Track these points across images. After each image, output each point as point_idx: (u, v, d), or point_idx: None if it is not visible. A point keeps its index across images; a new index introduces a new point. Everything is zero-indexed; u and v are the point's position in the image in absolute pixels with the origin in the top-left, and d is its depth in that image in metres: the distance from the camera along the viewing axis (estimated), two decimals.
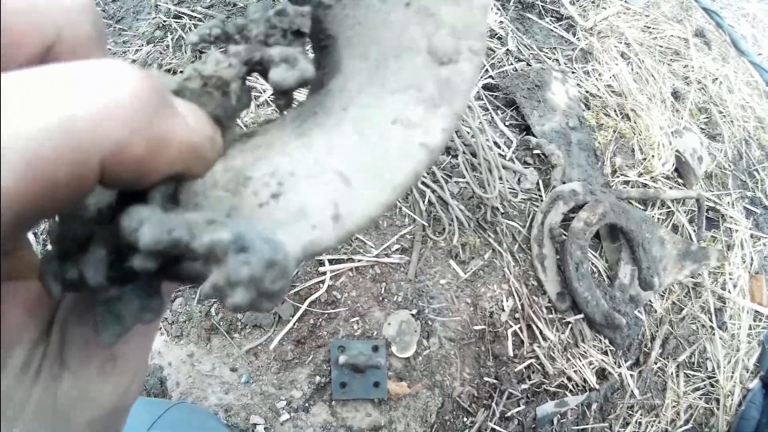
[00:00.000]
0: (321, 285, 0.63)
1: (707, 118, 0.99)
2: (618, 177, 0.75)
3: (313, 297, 0.63)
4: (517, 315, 0.64)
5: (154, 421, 0.47)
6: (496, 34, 0.81)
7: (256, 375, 0.62)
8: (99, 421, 0.13)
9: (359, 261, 0.64)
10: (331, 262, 0.64)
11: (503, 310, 0.63)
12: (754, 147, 1.02)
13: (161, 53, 0.75)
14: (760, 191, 0.98)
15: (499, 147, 0.71)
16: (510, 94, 0.74)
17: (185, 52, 0.73)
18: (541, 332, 0.64)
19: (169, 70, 0.72)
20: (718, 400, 0.84)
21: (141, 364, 0.15)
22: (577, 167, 0.73)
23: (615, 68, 0.86)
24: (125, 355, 0.13)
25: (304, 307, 0.62)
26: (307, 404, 0.61)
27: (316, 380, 0.61)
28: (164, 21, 0.77)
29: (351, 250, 0.63)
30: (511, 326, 0.63)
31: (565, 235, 0.65)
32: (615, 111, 0.82)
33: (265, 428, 0.62)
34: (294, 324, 0.63)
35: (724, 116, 1.02)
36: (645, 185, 0.77)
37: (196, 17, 0.74)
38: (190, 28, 0.77)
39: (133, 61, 0.80)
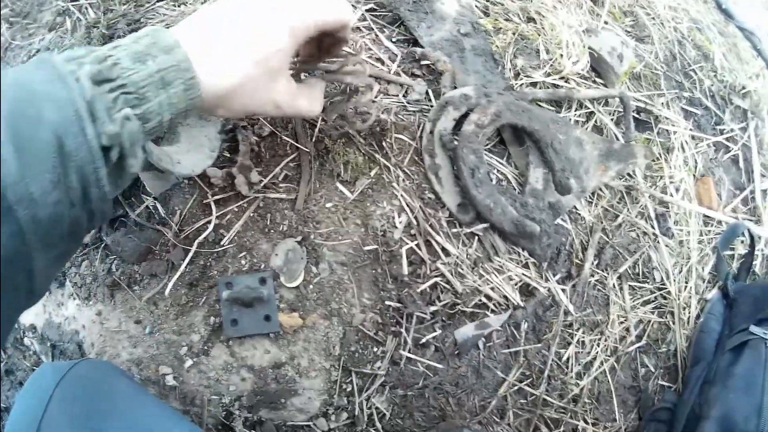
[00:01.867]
0: (208, 225, 0.62)
1: (633, 20, 0.96)
2: (522, 79, 0.73)
3: (200, 238, 0.61)
4: (412, 231, 0.62)
5: (58, 381, 0.47)
6: None
7: (158, 324, 0.62)
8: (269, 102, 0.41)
9: (244, 198, 0.63)
10: (217, 202, 0.63)
11: (395, 227, 0.61)
12: (689, 47, 0.98)
13: (61, 38, 0.77)
14: (699, 92, 0.94)
15: (383, 63, 0.69)
16: (394, 10, 0.72)
17: (79, 31, 0.74)
18: (442, 248, 0.62)
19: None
20: (672, 313, 0.81)
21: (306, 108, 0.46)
22: (473, 74, 0.71)
23: None
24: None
25: (193, 249, 0.61)
26: (206, 347, 0.60)
27: (211, 321, 0.60)
28: (63, 7, 0.78)
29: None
30: (407, 243, 0.61)
31: (456, 140, 0.63)
32: (518, 15, 0.79)
33: (174, 377, 0.61)
34: (185, 268, 0.62)
35: (653, 18, 0.98)
36: (555, 86, 0.75)
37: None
38: (86, 8, 0.78)
39: (38, 50, 0.81)
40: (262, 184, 0.62)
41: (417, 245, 0.61)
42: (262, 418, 0.63)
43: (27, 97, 0.27)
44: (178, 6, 0.78)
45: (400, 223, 0.61)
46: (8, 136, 0.25)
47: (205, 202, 0.62)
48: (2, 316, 0.28)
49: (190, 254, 0.60)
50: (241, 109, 0.39)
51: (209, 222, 0.62)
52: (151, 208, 0.65)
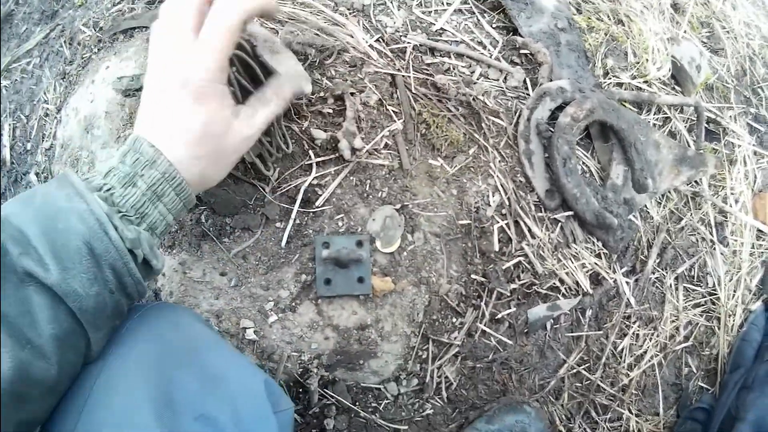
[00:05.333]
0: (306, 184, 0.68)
1: (710, 32, 1.04)
2: (610, 79, 0.81)
3: (300, 196, 0.67)
4: (503, 211, 0.70)
5: (132, 317, 0.51)
6: None
7: (245, 277, 0.67)
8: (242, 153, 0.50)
9: (345, 162, 0.69)
10: (318, 164, 0.69)
11: (489, 205, 0.69)
12: (759, 65, 1.07)
13: None
14: (764, 108, 1.03)
15: (484, 47, 0.76)
16: None
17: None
18: (529, 229, 0.70)
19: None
20: (719, 319, 0.90)
21: (263, 121, 0.50)
22: (566, 68, 0.78)
23: None
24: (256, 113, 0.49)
25: (296, 207, 0.67)
26: (293, 304, 0.67)
27: (302, 279, 0.67)
28: None
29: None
30: (498, 222, 0.69)
31: (551, 130, 0.71)
32: (608, 16, 0.87)
33: (255, 331, 0.67)
34: (280, 224, 0.67)
35: (728, 32, 1.07)
36: (639, 88, 0.83)
37: None
38: None
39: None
40: (364, 150, 0.68)
41: (507, 224, 0.69)
42: (336, 377, 0.71)
43: (54, 213, 0.36)
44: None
45: (494, 201, 0.69)
46: (46, 248, 0.35)
47: (307, 163, 0.69)
48: (65, 372, 0.37)
49: (295, 210, 0.66)
50: (223, 175, 0.49)
51: (307, 182, 0.69)
52: (248, 162, 0.71)
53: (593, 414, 0.81)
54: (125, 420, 0.37)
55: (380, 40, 0.75)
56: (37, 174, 0.83)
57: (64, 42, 0.85)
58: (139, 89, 0.71)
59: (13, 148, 0.88)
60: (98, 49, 0.80)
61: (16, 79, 0.91)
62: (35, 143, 0.85)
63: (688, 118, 0.91)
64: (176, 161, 0.41)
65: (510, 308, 0.72)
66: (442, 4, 0.80)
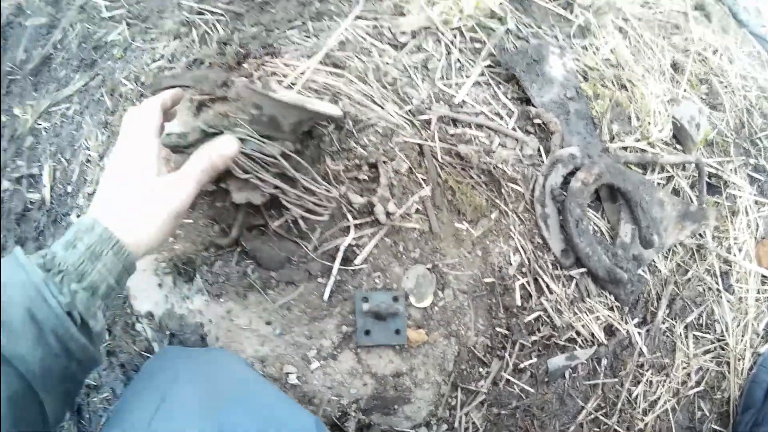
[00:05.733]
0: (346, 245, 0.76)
1: (708, 88, 1.13)
2: (616, 143, 0.89)
3: (340, 254, 0.75)
4: (524, 269, 0.77)
5: (188, 360, 0.57)
6: (496, 15, 0.96)
7: (289, 327, 0.75)
8: (174, 216, 0.52)
9: (380, 225, 0.77)
10: (355, 227, 0.77)
11: (510, 264, 0.77)
12: (756, 116, 1.16)
13: (187, 47, 0.90)
14: (763, 159, 1.11)
15: (501, 118, 0.85)
16: (510, 69, 0.89)
17: (209, 45, 0.88)
18: (547, 286, 0.78)
19: (195, 61, 0.86)
20: (728, 363, 0.96)
21: (193, 189, 0.55)
22: (576, 135, 0.87)
23: (612, 42, 1.00)
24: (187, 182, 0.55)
25: (337, 264, 0.74)
26: (335, 352, 0.74)
27: (343, 330, 0.74)
28: (188, 18, 0.92)
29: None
30: (519, 279, 0.76)
31: (564, 195, 0.79)
32: (612, 82, 0.96)
33: (297, 377, 0.74)
34: (325, 279, 0.75)
35: (725, 86, 1.16)
36: (643, 150, 0.91)
37: (218, 13, 0.89)
38: (213, 24, 0.91)
39: (162, 55, 0.92)
40: (397, 214, 0.77)
41: (527, 282, 0.76)
42: (372, 422, 0.77)
43: (2, 287, 0.41)
44: (311, 36, 0.92)
45: (515, 261, 0.77)
46: None
47: (345, 225, 0.77)
48: None
49: (336, 268, 0.74)
50: (166, 238, 0.53)
51: (347, 241, 0.76)
52: (290, 222, 0.79)
53: None
54: None
55: (408, 112, 0.85)
56: (78, 216, 0.90)
57: (105, 92, 0.92)
58: (187, 146, 0.78)
59: (53, 189, 0.96)
60: (140, 103, 0.88)
61: (56, 123, 0.98)
62: (76, 187, 0.93)
63: (691, 175, 0.99)
64: (113, 228, 0.47)
65: (532, 359, 0.79)
66: (462, 76, 0.90)
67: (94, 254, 0.45)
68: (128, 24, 1.00)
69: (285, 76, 0.87)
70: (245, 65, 0.88)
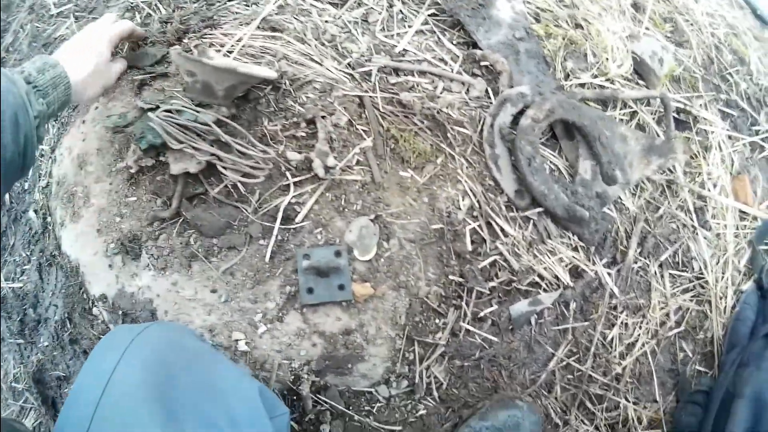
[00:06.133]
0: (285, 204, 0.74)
1: (673, 27, 1.09)
2: (572, 81, 0.86)
3: (280, 214, 0.73)
4: (474, 213, 0.74)
5: (132, 338, 0.56)
6: None
7: (234, 293, 0.73)
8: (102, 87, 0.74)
9: (320, 180, 0.75)
10: (294, 184, 0.75)
11: (460, 209, 0.74)
12: (725, 52, 1.11)
13: None
14: (735, 94, 1.06)
15: (446, 63, 0.82)
16: (455, 15, 0.85)
17: (152, 26, 0.87)
18: (501, 229, 0.74)
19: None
20: (710, 302, 0.92)
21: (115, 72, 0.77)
22: (527, 74, 0.83)
23: None
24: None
25: (277, 224, 0.72)
26: (280, 314, 0.72)
27: (287, 290, 0.72)
28: (132, 3, 0.91)
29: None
30: (470, 224, 0.73)
31: (514, 133, 0.76)
32: (567, 22, 0.92)
33: (246, 343, 0.72)
34: (263, 241, 0.73)
35: (691, 24, 1.11)
36: (601, 87, 0.87)
37: None
38: (156, 5, 0.90)
39: None
40: (337, 168, 0.74)
41: (479, 226, 0.73)
42: (328, 383, 0.75)
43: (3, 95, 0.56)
44: (250, 6, 0.91)
45: (464, 205, 0.74)
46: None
47: (284, 184, 0.74)
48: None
49: (276, 228, 0.72)
50: (97, 89, 0.72)
51: (286, 200, 0.74)
52: (230, 187, 0.77)
53: (588, 405, 0.83)
54: None
55: (348, 65, 0.82)
56: (35, 211, 0.90)
57: None
58: (126, 126, 0.78)
59: (12, 188, 0.97)
60: None
61: None
62: (32, 183, 0.93)
63: (657, 111, 0.95)
64: (69, 73, 0.65)
65: (492, 306, 0.76)
66: (404, 27, 0.87)
67: (54, 83, 0.62)
68: (76, 18, 1.01)
69: (222, 45, 0.85)
70: (185, 40, 0.87)
